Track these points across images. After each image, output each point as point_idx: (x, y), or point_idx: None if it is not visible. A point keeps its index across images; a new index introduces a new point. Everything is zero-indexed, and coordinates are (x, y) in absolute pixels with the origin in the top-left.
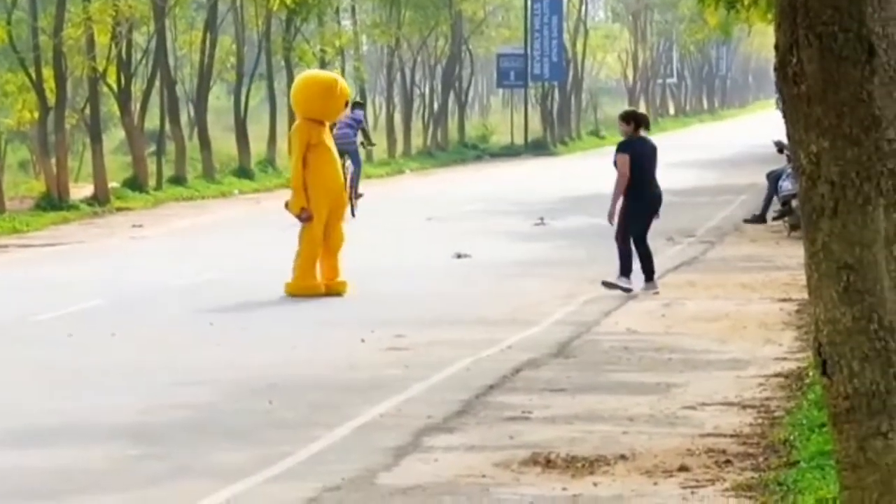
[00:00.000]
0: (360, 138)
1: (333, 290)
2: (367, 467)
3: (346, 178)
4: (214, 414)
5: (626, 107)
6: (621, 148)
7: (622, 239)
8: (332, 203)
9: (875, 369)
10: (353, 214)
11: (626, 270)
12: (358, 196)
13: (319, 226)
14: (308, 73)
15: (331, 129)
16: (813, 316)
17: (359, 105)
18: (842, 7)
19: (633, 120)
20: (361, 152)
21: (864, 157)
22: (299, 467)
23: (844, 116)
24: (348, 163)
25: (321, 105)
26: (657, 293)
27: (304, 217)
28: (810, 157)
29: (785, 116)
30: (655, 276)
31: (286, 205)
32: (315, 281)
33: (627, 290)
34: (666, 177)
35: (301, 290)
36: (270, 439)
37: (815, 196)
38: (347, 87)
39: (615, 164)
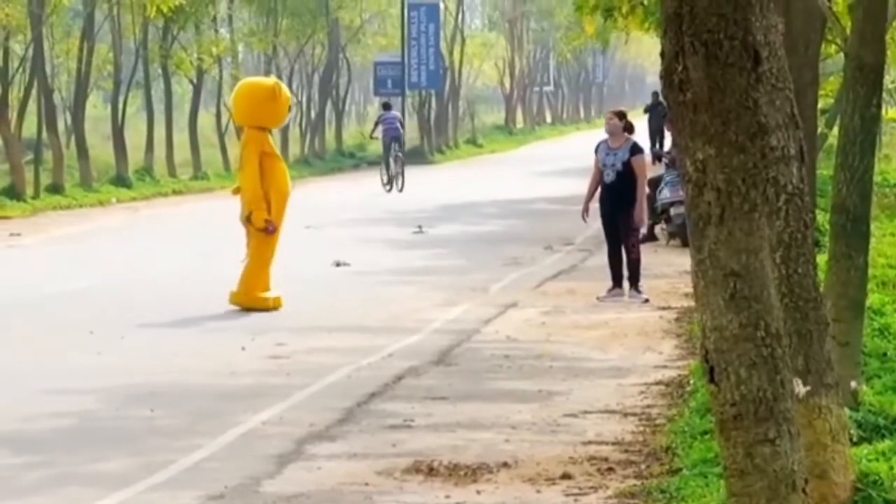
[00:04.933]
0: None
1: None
2: (250, 475)
3: (397, 160)
4: (96, 422)
5: (502, 115)
6: (639, 149)
7: (638, 247)
8: (284, 213)
9: (762, 376)
10: (400, 189)
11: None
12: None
13: (278, 237)
14: (249, 81)
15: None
16: (700, 323)
17: (389, 105)
18: (727, 15)
19: (626, 120)
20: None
21: (750, 165)
22: (182, 475)
23: (730, 123)
24: (396, 146)
25: (267, 112)
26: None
27: (271, 230)
28: (696, 165)
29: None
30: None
31: (247, 218)
32: (265, 294)
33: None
34: (544, 185)
35: (252, 303)
36: (153, 447)
37: (702, 203)
38: (288, 92)
39: (626, 165)
